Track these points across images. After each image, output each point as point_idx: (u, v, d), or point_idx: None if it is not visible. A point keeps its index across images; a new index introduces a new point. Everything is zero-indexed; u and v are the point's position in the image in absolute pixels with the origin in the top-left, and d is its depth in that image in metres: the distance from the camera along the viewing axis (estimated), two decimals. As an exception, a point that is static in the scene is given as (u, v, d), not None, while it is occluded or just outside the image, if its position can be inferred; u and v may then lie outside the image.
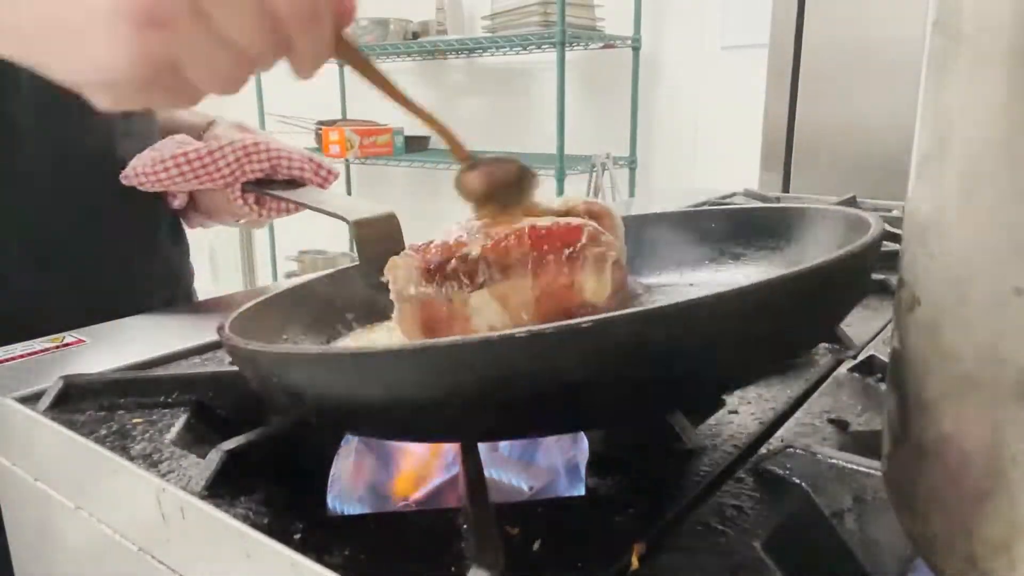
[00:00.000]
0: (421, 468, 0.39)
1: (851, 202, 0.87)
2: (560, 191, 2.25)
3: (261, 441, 0.30)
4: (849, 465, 0.27)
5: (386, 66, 3.10)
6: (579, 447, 0.37)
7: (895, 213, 0.80)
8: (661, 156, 2.51)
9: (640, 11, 2.44)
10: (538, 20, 2.33)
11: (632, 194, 2.49)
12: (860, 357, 0.40)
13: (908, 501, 0.21)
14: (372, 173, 2.98)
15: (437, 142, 3.07)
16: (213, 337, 0.45)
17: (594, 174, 2.28)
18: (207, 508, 0.26)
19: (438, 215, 3.07)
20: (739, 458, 0.30)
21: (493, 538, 0.24)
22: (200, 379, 0.38)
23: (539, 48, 2.50)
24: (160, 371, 0.39)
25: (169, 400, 0.36)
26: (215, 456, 0.29)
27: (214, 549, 0.27)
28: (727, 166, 2.24)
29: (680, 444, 0.31)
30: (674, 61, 2.47)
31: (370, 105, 3.12)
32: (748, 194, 0.95)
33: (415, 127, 3.07)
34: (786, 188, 1.11)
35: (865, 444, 0.32)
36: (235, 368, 0.40)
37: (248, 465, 0.29)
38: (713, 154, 2.33)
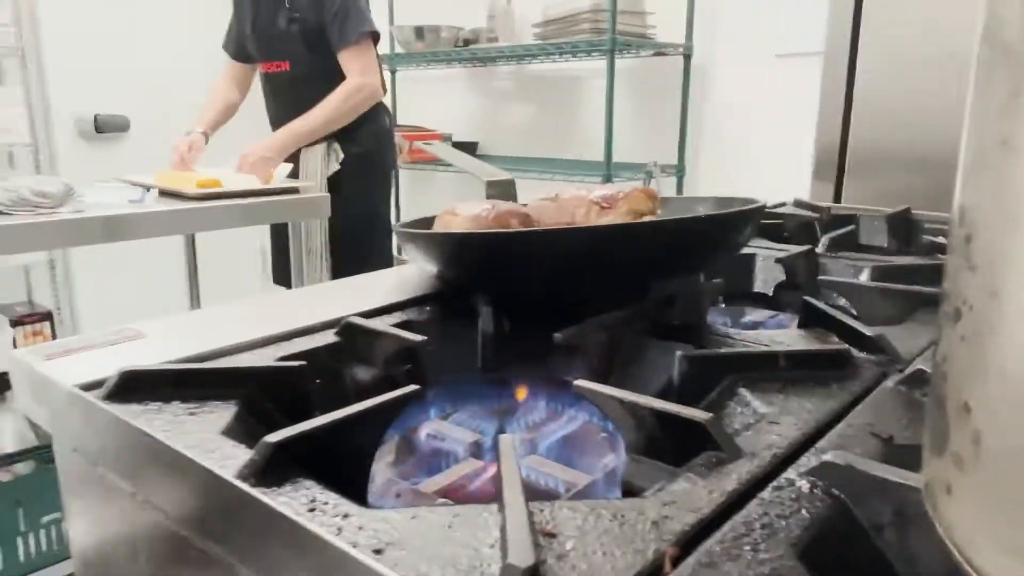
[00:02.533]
0: (456, 468, 0.39)
1: (905, 213, 0.85)
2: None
3: (306, 435, 0.31)
4: (891, 478, 0.27)
5: (435, 72, 3.14)
6: (617, 452, 0.37)
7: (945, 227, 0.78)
8: (709, 165, 2.48)
9: (693, 19, 2.43)
10: (589, 28, 2.33)
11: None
12: (908, 371, 0.39)
13: (945, 511, 0.20)
14: (420, 178, 3.01)
15: (485, 148, 3.09)
16: (263, 333, 0.47)
17: (647, 182, 2.27)
18: (258, 496, 0.27)
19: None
20: (778, 467, 0.30)
21: (526, 534, 0.24)
22: (248, 373, 0.39)
23: (589, 56, 2.50)
24: (211, 364, 0.41)
25: (220, 393, 0.38)
26: (263, 448, 0.30)
27: (264, 538, 0.28)
28: (777, 175, 2.21)
29: (720, 452, 0.31)
30: (726, 69, 2.44)
31: (419, 110, 3.15)
32: (798, 204, 0.94)
33: (464, 133, 3.09)
34: (837, 199, 1.09)
35: (909, 458, 0.31)
36: (280, 363, 0.41)
37: (294, 458, 0.30)
38: (764, 163, 2.30)
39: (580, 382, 0.36)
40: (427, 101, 3.27)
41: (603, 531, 0.26)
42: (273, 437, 0.30)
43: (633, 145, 2.51)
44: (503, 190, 0.68)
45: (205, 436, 0.33)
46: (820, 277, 0.62)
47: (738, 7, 2.37)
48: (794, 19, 2.22)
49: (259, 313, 0.53)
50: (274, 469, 0.30)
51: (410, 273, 0.62)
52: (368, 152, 2.09)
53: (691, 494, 0.28)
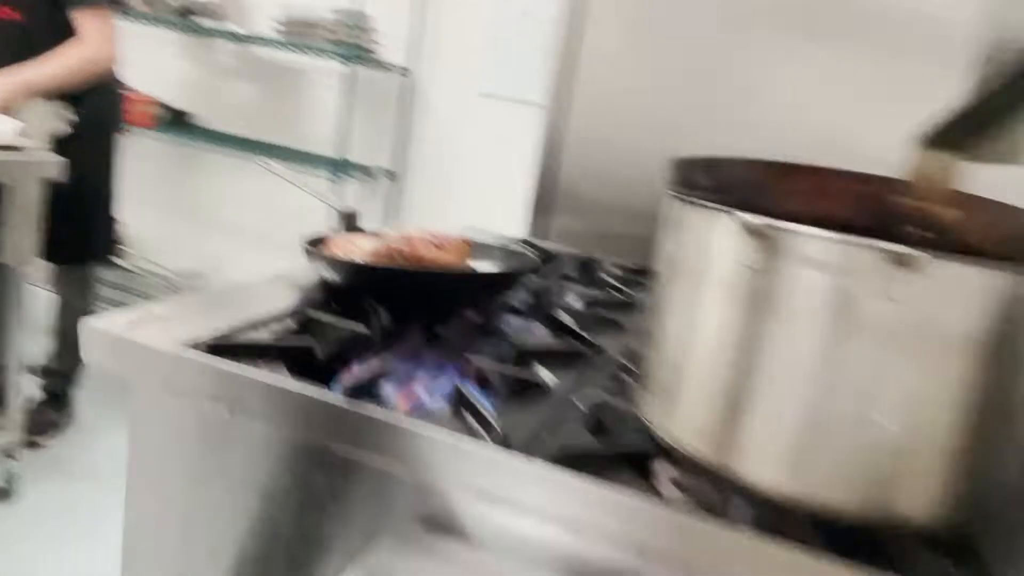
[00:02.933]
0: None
1: (590, 257, 1.31)
2: (336, 194, 2.51)
3: (362, 381, 0.61)
4: (613, 402, 0.66)
5: (154, 32, 3.07)
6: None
7: (616, 271, 1.26)
8: (420, 176, 2.88)
9: (413, 44, 2.79)
10: (328, 36, 2.56)
11: (392, 207, 2.83)
12: (613, 360, 0.80)
13: (648, 413, 0.60)
14: (130, 143, 2.93)
15: (201, 121, 3.11)
16: (250, 318, 0.72)
17: (370, 182, 2.58)
18: (358, 408, 0.57)
19: (193, 190, 3.10)
20: (570, 399, 0.68)
21: (490, 421, 0.58)
22: (285, 346, 0.66)
23: (322, 57, 2.72)
24: (261, 340, 0.67)
25: (271, 357, 0.64)
26: (345, 389, 0.59)
27: (364, 431, 0.57)
28: (483, 194, 2.68)
29: (546, 392, 0.68)
30: (441, 94, 2.85)
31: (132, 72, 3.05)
32: (525, 242, 1.36)
33: (177, 101, 3.07)
34: (546, 236, 1.54)
35: (628, 395, 0.71)
36: (304, 341, 0.69)
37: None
38: (468, 185, 2.76)
39: (475, 357, 0.70)
40: (135, 59, 3.16)
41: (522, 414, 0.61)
42: (347, 381, 0.60)
43: (358, 147, 2.79)
44: (350, 219, 0.97)
45: (289, 380, 0.61)
46: (553, 300, 1.03)
47: (453, 42, 2.79)
48: (501, 64, 2.71)
49: (229, 302, 0.77)
50: (353, 396, 0.59)
51: (299, 279, 0.89)
52: (98, 117, 2.10)
53: (540, 406, 0.65)
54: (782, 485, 0.50)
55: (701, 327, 0.54)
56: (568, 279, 1.22)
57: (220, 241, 3.18)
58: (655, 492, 0.54)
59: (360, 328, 0.74)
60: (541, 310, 0.99)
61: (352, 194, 2.68)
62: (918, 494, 0.49)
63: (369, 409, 0.58)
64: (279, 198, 3.05)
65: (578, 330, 0.87)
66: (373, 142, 2.86)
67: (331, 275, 0.83)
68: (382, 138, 2.85)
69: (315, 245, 0.88)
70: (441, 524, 0.55)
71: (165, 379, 0.62)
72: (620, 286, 1.15)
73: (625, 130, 1.52)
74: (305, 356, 0.69)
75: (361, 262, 0.81)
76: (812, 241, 0.49)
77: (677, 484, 0.55)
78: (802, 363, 0.50)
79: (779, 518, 0.50)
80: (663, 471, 0.56)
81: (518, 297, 1.03)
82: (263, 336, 0.70)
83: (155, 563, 0.65)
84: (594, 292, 1.13)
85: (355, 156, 2.74)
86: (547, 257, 1.26)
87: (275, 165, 1.04)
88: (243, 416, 0.61)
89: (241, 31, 2.75)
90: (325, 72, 2.87)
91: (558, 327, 0.91)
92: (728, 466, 0.52)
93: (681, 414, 0.56)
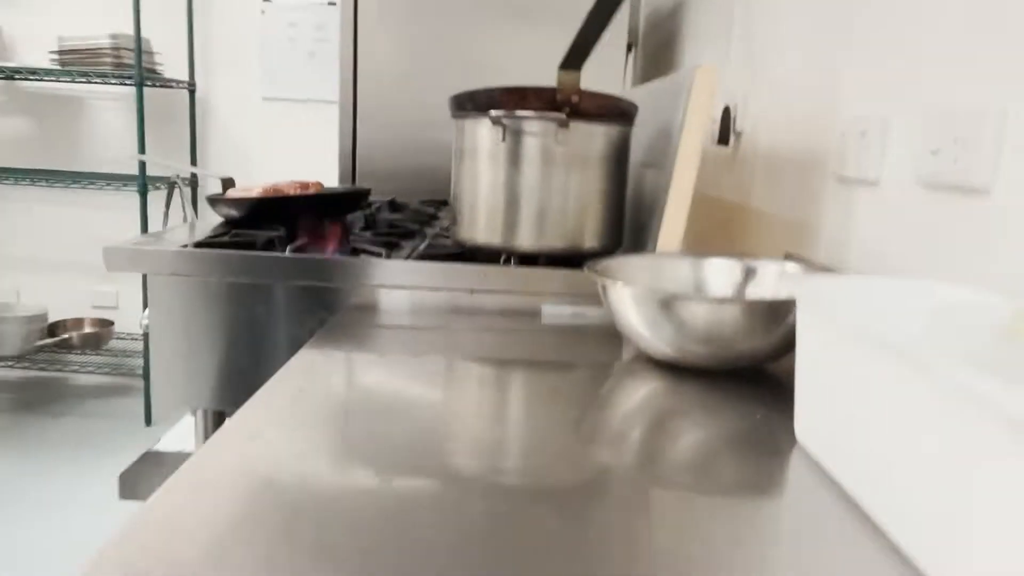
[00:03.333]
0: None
1: (392, 200, 1.79)
2: (143, 205, 2.74)
3: (298, 246, 1.04)
4: (437, 242, 1.16)
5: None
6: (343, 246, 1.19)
7: (413, 203, 1.74)
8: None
9: (193, 60, 3.06)
10: (111, 61, 2.77)
11: (196, 209, 3.08)
12: (433, 233, 1.29)
13: (459, 234, 1.09)
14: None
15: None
16: (206, 235, 1.11)
17: (175, 192, 2.83)
18: (295, 255, 1.01)
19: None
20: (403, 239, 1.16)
21: (380, 251, 1.05)
22: (242, 240, 1.07)
23: (104, 81, 2.90)
24: (224, 239, 1.07)
25: (236, 246, 1.05)
26: (289, 250, 1.03)
27: (298, 270, 1.01)
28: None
29: (397, 246, 1.15)
30: (224, 104, 3.14)
31: None
32: (344, 195, 1.80)
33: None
34: (353, 195, 1.99)
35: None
36: (249, 241, 1.10)
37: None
38: (266, 179, 3.09)
39: (353, 238, 1.15)
40: None
41: (391, 252, 1.08)
42: (292, 247, 1.03)
43: (152, 162, 3.01)
44: (230, 181, 1.37)
45: (249, 252, 1.03)
46: (380, 219, 1.49)
47: (230, 56, 3.10)
48: (276, 71, 3.06)
49: (173, 237, 1.15)
50: (297, 254, 1.03)
51: (213, 220, 1.28)
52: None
53: (400, 251, 1.12)
54: (533, 245, 1.03)
55: (482, 178, 1.05)
56: (383, 210, 1.69)
57: (15, 274, 3.22)
58: (473, 261, 1.04)
59: (274, 233, 1.16)
60: (375, 225, 1.47)
61: (158, 203, 2.90)
62: (589, 236, 1.04)
63: (316, 257, 1.02)
64: (69, 224, 3.17)
65: (407, 224, 1.35)
66: (169, 154, 3.09)
67: (236, 212, 1.24)
68: (177, 149, 3.09)
69: (218, 196, 1.28)
70: (363, 307, 1.01)
71: (175, 268, 1.02)
72: (420, 208, 1.64)
73: (401, 110, 2.03)
74: (250, 247, 1.10)
75: (262, 196, 1.23)
76: (525, 121, 1.01)
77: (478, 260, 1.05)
78: (533, 184, 1.02)
79: (531, 260, 1.03)
80: (472, 257, 1.07)
81: (356, 223, 1.49)
82: (222, 239, 1.10)
83: (168, 381, 1.04)
84: (405, 215, 1.61)
85: (157, 168, 2.97)
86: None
87: (163, 160, 1.40)
88: (229, 279, 1.02)
89: (10, 64, 2.85)
90: (105, 96, 3.04)
91: (393, 227, 1.38)
92: (507, 244, 1.04)
93: (479, 227, 1.06)
